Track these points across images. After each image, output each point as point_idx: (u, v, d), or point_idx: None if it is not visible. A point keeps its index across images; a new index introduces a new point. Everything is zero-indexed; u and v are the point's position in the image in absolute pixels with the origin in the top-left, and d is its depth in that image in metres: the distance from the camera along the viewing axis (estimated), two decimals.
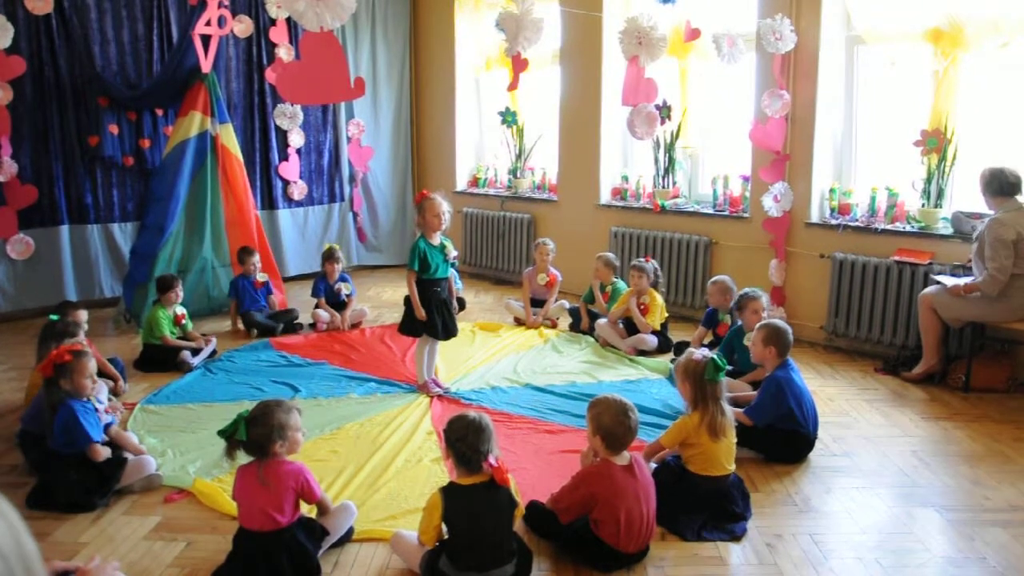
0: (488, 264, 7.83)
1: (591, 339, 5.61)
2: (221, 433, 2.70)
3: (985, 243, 4.41)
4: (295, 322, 5.94)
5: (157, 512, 3.18)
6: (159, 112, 6.62)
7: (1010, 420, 4.18)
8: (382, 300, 6.98)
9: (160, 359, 5.00)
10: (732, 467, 3.19)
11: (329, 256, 6.13)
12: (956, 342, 4.82)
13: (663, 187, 6.44)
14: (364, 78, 6.79)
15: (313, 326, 5.93)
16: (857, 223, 5.36)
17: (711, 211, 6.16)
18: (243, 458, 2.73)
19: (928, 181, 5.06)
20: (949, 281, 4.64)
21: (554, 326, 6.06)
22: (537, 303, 6.14)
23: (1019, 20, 4.55)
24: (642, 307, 5.41)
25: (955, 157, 4.95)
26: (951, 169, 5.00)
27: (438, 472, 3.52)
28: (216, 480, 3.41)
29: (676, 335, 5.55)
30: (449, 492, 2.60)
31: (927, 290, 4.75)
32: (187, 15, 6.39)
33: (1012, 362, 4.66)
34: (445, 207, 4.34)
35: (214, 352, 5.26)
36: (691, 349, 3.40)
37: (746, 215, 5.91)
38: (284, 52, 6.92)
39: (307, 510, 2.86)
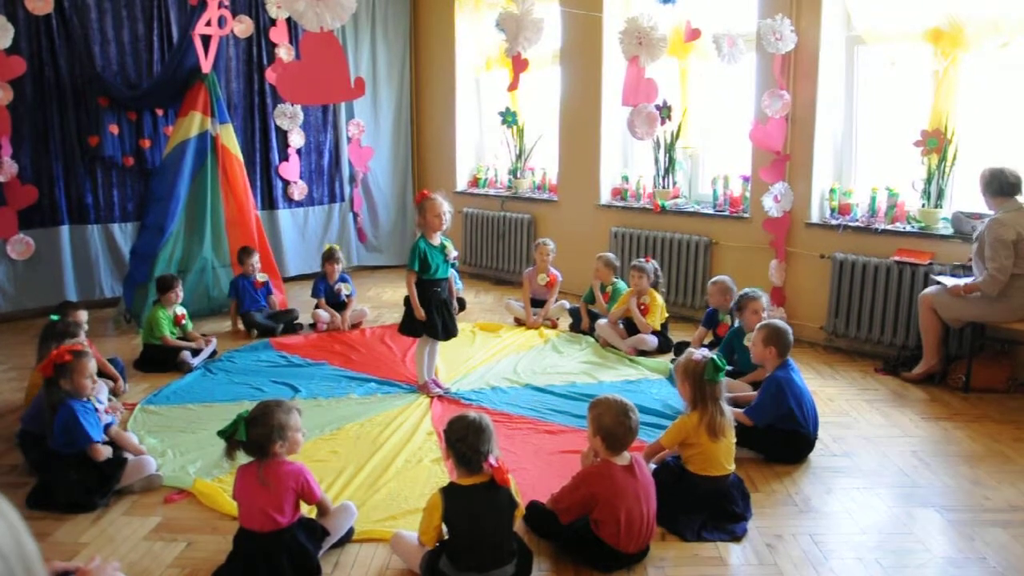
0: (488, 264, 7.83)
1: (591, 339, 5.61)
2: (221, 434, 2.69)
3: (985, 243, 4.41)
4: (295, 322, 5.94)
5: (157, 512, 3.18)
6: (159, 112, 6.63)
7: (1010, 420, 4.17)
8: (382, 300, 6.98)
9: (160, 359, 5.00)
10: (732, 467, 3.19)
11: (329, 256, 6.13)
12: (956, 342, 4.82)
13: (663, 187, 6.44)
14: (364, 78, 6.79)
15: (313, 326, 5.93)
16: (857, 223, 5.36)
17: (711, 211, 6.16)
18: (243, 458, 2.73)
19: (928, 181, 5.06)
20: (949, 281, 4.64)
21: (554, 326, 6.06)
22: (537, 303, 6.14)
23: (1019, 20, 4.55)
24: (642, 307, 5.41)
25: (955, 157, 4.95)
26: (951, 169, 4.99)
27: (438, 472, 3.52)
28: (216, 480, 3.41)
29: (676, 335, 5.55)
30: (449, 492, 2.61)
31: (927, 290, 4.75)
32: (187, 15, 6.40)
33: (1012, 362, 4.66)
34: (446, 207, 4.34)
35: (214, 352, 5.26)
36: (691, 349, 3.40)
37: (746, 215, 5.91)
38: (284, 52, 6.92)
39: (307, 511, 2.86)
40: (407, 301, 4.38)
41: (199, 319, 5.95)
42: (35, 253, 6.09)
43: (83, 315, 4.43)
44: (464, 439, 2.59)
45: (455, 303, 4.76)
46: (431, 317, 4.36)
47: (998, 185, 4.43)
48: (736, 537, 2.98)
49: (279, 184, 7.54)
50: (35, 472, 3.42)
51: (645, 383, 4.76)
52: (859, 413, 4.30)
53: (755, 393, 3.90)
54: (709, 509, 3.05)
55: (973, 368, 4.57)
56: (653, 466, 3.24)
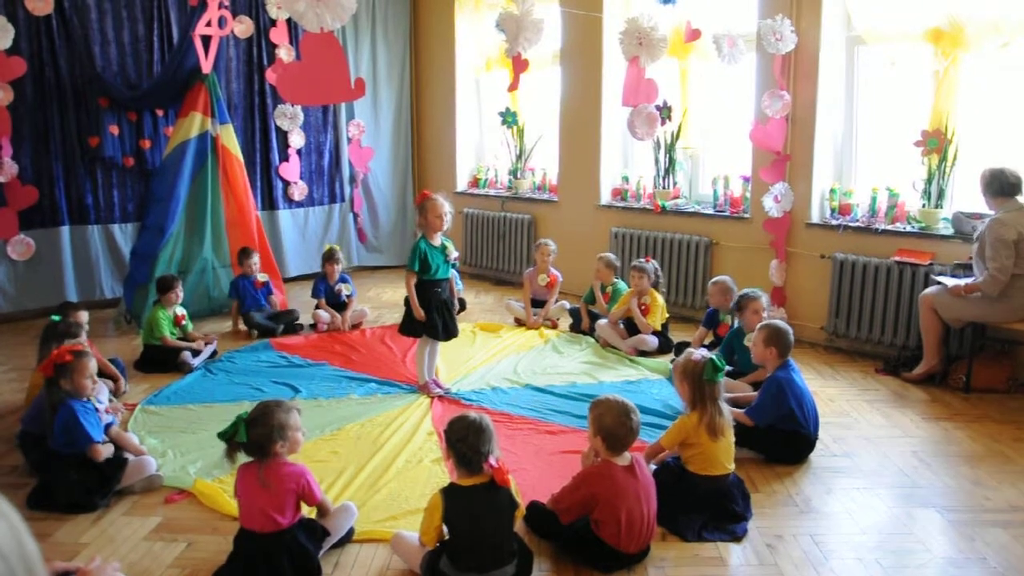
0: (488, 265, 7.83)
1: (591, 340, 5.61)
2: (221, 435, 2.69)
3: (986, 243, 4.41)
4: (296, 323, 5.94)
5: (158, 513, 3.18)
6: (159, 113, 6.63)
7: (1011, 420, 4.17)
8: (382, 301, 6.98)
9: (160, 360, 5.00)
10: (732, 466, 3.19)
11: (329, 257, 6.13)
12: (957, 342, 4.82)
13: (663, 188, 6.44)
14: (364, 79, 6.76)
15: (313, 327, 5.93)
16: (858, 223, 5.36)
17: (711, 212, 6.16)
18: (244, 459, 2.73)
19: (929, 181, 5.05)
20: (950, 281, 4.64)
21: (555, 327, 6.06)
22: (538, 304, 6.14)
23: (1019, 20, 4.55)
24: (643, 307, 5.41)
25: (955, 157, 4.95)
26: (951, 169, 4.99)
27: (439, 473, 3.52)
28: (217, 480, 3.41)
29: (677, 336, 5.55)
30: (450, 493, 2.61)
31: (928, 290, 4.75)
32: (187, 16, 6.40)
33: (1013, 362, 4.66)
34: (447, 208, 4.33)
35: (214, 353, 5.26)
36: (690, 349, 3.40)
37: (746, 215, 5.91)
38: (284, 53, 6.92)
39: (307, 511, 2.86)
40: (407, 301, 4.38)
41: (199, 320, 5.95)
42: (35, 254, 6.09)
43: (84, 316, 4.43)
44: (464, 439, 2.59)
45: (456, 303, 4.76)
46: (431, 317, 4.36)
47: (998, 185, 4.43)
48: (737, 537, 2.98)
49: (279, 184, 7.55)
50: (35, 473, 3.42)
51: (645, 383, 4.76)
52: (860, 413, 4.29)
53: (755, 393, 3.90)
54: (710, 509, 3.05)
55: (974, 368, 4.57)
56: (653, 466, 3.24)
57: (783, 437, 3.62)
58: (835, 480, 3.49)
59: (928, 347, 4.74)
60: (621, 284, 5.76)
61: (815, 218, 5.58)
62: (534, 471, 3.53)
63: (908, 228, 5.15)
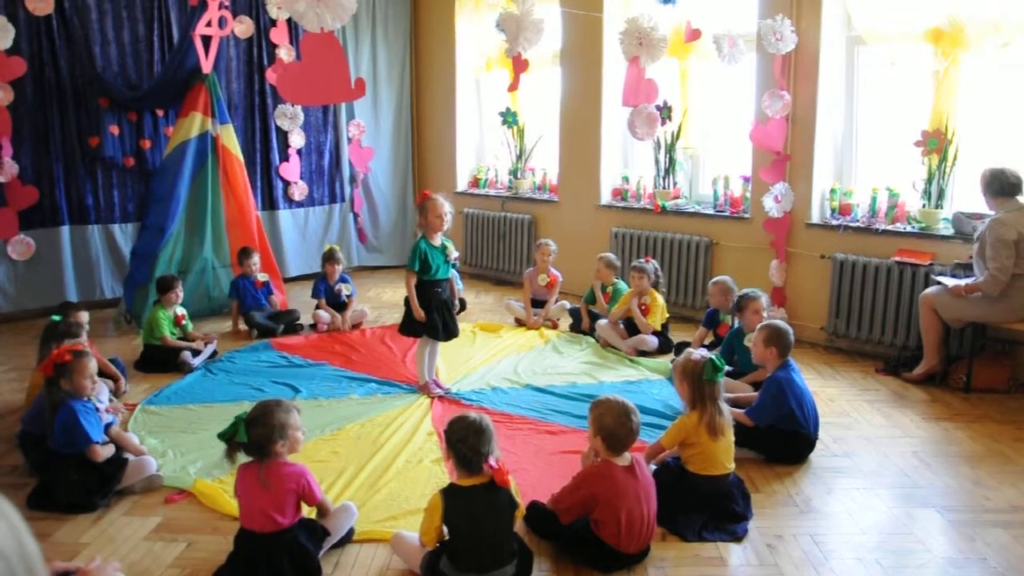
0: (489, 265, 7.83)
1: (592, 340, 5.61)
2: (221, 436, 2.69)
3: (986, 243, 4.41)
4: (296, 323, 5.94)
5: (158, 513, 3.18)
6: (160, 113, 6.63)
7: (1011, 420, 4.17)
8: (382, 301, 6.98)
9: (161, 360, 5.00)
10: (732, 466, 3.19)
11: (329, 257, 6.13)
12: (957, 343, 4.82)
13: (664, 188, 6.44)
14: (364, 79, 6.72)
15: (314, 327, 5.94)
16: (858, 224, 5.36)
17: (712, 212, 6.16)
18: (244, 459, 2.73)
19: (929, 181, 5.05)
20: (950, 282, 4.64)
21: (555, 327, 6.06)
22: (538, 304, 6.14)
23: (1019, 20, 4.55)
24: (643, 308, 5.41)
25: (956, 157, 4.95)
26: (952, 169, 4.99)
27: (439, 473, 3.52)
28: (217, 480, 3.41)
29: (677, 336, 5.55)
30: (449, 493, 2.61)
31: (928, 290, 4.75)
32: (187, 16, 6.40)
33: (1013, 362, 4.66)
34: (447, 208, 4.33)
35: (215, 353, 5.26)
36: (689, 349, 3.41)
37: (747, 216, 5.91)
38: (285, 53, 6.92)
39: (307, 512, 2.86)
40: (407, 301, 4.38)
41: (199, 319, 5.95)
42: (36, 254, 6.09)
43: (84, 316, 4.43)
44: (465, 440, 2.59)
45: (456, 303, 4.75)
46: (431, 318, 4.36)
47: (999, 185, 4.43)
48: (737, 537, 2.98)
49: (279, 184, 7.55)
50: (36, 473, 3.42)
51: (646, 383, 4.76)
52: (860, 413, 4.29)
53: (756, 394, 3.90)
54: (710, 509, 3.05)
55: (974, 368, 4.57)
56: (653, 466, 3.24)
57: (783, 437, 3.62)
58: (835, 480, 3.49)
59: (928, 347, 4.74)
60: (622, 284, 5.75)
61: (815, 218, 5.58)
62: (534, 471, 3.53)
63: (908, 228, 5.15)
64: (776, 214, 5.54)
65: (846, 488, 3.40)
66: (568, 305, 6.12)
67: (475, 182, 8.16)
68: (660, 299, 5.44)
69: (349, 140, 7.97)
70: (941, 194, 5.04)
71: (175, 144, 6.09)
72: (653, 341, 5.32)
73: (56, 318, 4.06)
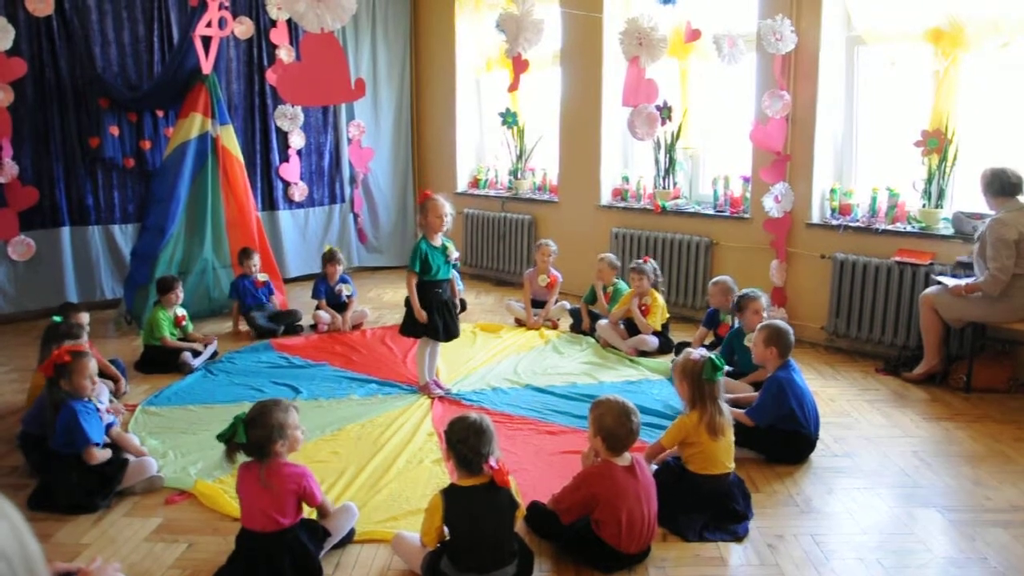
0: (489, 265, 7.83)
1: (592, 340, 5.61)
2: (220, 437, 2.69)
3: (987, 243, 4.41)
4: (296, 324, 5.94)
5: (158, 513, 3.18)
6: (160, 113, 6.63)
7: (1011, 420, 4.17)
8: (383, 301, 6.98)
9: (161, 360, 5.00)
10: (732, 465, 3.19)
11: (330, 258, 6.13)
12: (957, 342, 4.82)
13: (664, 188, 6.45)
14: (364, 79, 6.76)
15: (314, 327, 5.94)
16: (858, 223, 5.36)
17: (712, 212, 6.16)
18: (244, 459, 2.72)
19: (929, 181, 5.05)
20: (950, 281, 4.64)
21: (555, 327, 6.06)
22: (538, 304, 6.14)
23: (1019, 20, 4.55)
24: (643, 308, 5.41)
25: (956, 157, 4.95)
26: (952, 169, 4.99)
27: (439, 473, 3.52)
28: (217, 481, 3.41)
29: (677, 336, 5.55)
30: (450, 494, 2.61)
31: (928, 290, 4.75)
32: (187, 16, 6.40)
33: (1013, 362, 4.66)
34: (448, 208, 4.34)
35: (215, 353, 5.26)
36: (689, 349, 3.41)
37: (747, 216, 5.91)
38: (285, 53, 6.92)
39: (308, 513, 2.86)
40: (408, 302, 4.38)
41: (200, 320, 5.95)
42: (36, 254, 6.09)
43: (85, 316, 4.43)
44: (465, 440, 2.59)
45: (457, 304, 4.76)
46: (432, 318, 4.36)
47: (999, 185, 4.43)
48: (738, 537, 2.98)
49: (279, 185, 7.55)
50: (36, 474, 3.42)
51: (646, 384, 4.76)
52: (860, 413, 4.29)
53: (756, 394, 3.90)
54: (711, 509, 3.05)
55: (974, 368, 4.57)
56: (654, 466, 3.24)
57: (784, 437, 3.62)
58: (836, 480, 3.49)
59: (928, 347, 4.74)
60: (622, 284, 5.75)
61: (815, 218, 5.58)
62: (534, 471, 3.53)
63: (908, 228, 5.15)
64: (776, 214, 5.54)
65: (847, 488, 3.40)
66: (568, 305, 6.12)
67: (475, 182, 8.17)
68: (660, 299, 5.45)
69: (349, 141, 7.98)
70: (941, 194, 5.05)
71: (175, 145, 6.09)
72: (653, 341, 5.32)
73: (57, 319, 4.06)
